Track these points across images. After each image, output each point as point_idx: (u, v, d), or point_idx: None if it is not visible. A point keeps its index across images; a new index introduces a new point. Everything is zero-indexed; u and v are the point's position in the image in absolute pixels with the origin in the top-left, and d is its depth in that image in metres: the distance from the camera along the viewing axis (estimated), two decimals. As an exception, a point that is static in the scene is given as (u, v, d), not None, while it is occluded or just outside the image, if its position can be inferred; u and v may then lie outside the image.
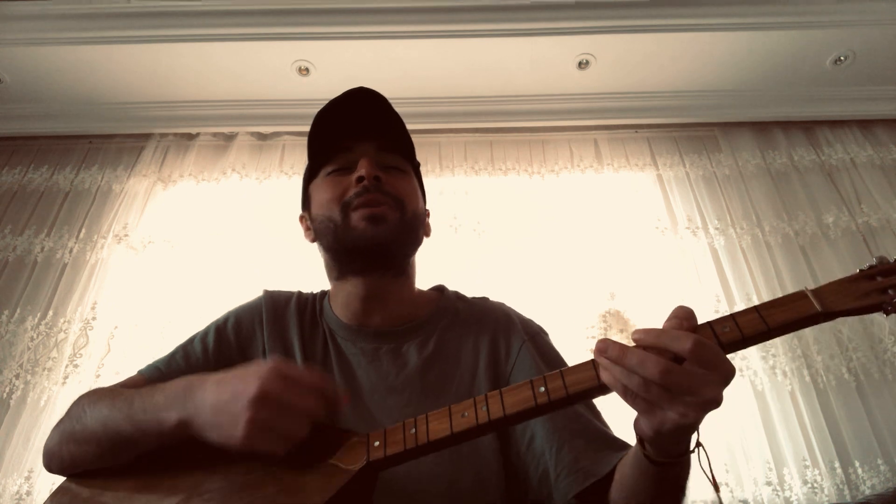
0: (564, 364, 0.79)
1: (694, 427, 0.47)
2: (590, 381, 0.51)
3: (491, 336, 0.79)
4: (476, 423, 0.53)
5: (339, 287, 0.82)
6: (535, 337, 0.80)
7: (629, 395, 0.48)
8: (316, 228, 0.81)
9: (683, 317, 0.50)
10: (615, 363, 0.48)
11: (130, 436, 0.60)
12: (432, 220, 0.92)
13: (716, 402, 0.45)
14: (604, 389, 0.52)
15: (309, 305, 0.86)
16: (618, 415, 0.71)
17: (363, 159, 0.77)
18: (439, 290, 0.90)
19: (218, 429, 0.54)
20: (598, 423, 0.71)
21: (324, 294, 0.88)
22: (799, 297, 0.49)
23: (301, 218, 0.89)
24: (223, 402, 0.54)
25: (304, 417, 0.54)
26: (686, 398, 0.45)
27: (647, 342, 0.48)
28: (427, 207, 0.92)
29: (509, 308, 0.86)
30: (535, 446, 0.69)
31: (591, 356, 0.52)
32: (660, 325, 0.51)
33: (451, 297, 0.87)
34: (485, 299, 0.89)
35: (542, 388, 0.52)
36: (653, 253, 2.08)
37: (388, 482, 0.59)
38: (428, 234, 0.88)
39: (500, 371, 0.76)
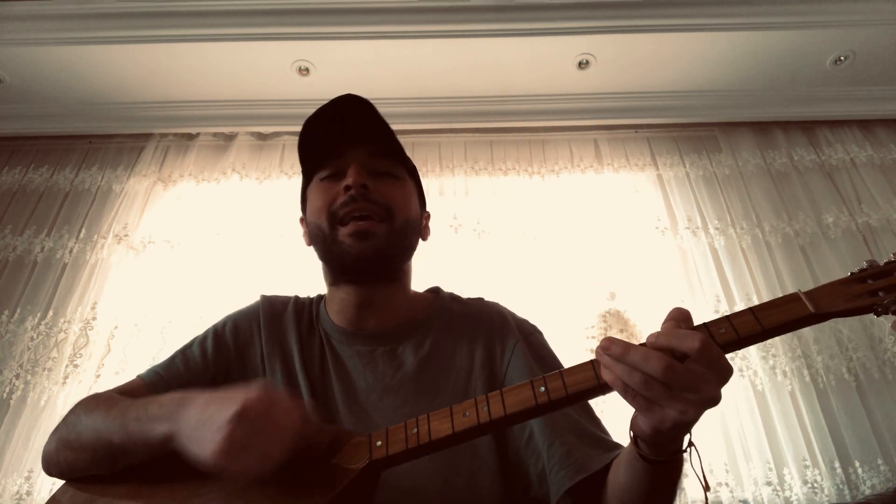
0: (558, 362, 0.80)
1: (691, 425, 0.48)
2: (589, 381, 0.52)
3: (486, 336, 0.80)
4: (477, 423, 0.54)
5: (334, 292, 0.82)
6: (528, 336, 0.81)
7: (629, 393, 0.48)
8: (309, 234, 0.83)
9: (681, 318, 0.51)
10: (618, 360, 0.49)
11: (122, 445, 0.61)
12: (432, 221, 0.92)
13: (715, 399, 0.46)
14: (604, 389, 0.52)
15: (306, 310, 0.86)
16: (616, 416, 0.72)
17: (352, 166, 0.77)
18: (434, 291, 0.90)
19: (196, 443, 0.54)
20: (592, 425, 0.72)
21: (320, 298, 0.89)
22: (793, 298, 0.51)
23: (301, 220, 0.89)
24: (205, 419, 0.54)
25: (281, 440, 0.54)
26: (686, 395, 0.46)
27: (656, 343, 0.49)
28: (428, 210, 0.92)
29: (504, 308, 0.87)
30: (533, 443, 0.69)
31: (592, 356, 0.53)
32: (659, 328, 0.51)
33: (447, 298, 0.88)
34: (480, 300, 0.89)
35: (543, 388, 0.53)
36: (653, 253, 2.08)
37: (383, 478, 0.60)
38: (426, 238, 0.88)
39: (496, 371, 0.77)
